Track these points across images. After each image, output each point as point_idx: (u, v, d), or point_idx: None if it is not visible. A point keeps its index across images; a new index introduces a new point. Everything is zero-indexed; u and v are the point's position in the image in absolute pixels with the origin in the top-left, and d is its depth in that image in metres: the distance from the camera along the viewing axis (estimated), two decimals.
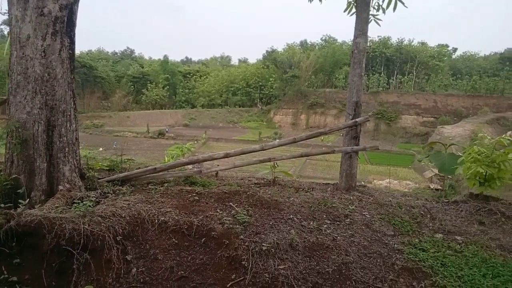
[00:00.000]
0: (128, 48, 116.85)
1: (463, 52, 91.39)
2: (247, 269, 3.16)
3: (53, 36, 3.95)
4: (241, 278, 3.12)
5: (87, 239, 3.11)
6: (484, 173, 4.91)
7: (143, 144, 44.39)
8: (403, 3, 5.58)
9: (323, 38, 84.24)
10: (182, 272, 3.17)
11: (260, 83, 73.05)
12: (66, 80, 4.13)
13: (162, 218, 3.65)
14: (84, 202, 3.53)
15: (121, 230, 3.35)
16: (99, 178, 4.70)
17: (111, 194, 4.24)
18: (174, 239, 3.49)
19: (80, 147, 4.64)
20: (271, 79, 70.07)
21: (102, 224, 3.29)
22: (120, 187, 4.57)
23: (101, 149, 33.38)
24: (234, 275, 3.15)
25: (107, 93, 70.14)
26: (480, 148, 5.06)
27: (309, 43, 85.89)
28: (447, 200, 5.43)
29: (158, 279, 3.09)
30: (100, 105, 67.73)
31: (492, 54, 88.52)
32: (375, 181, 26.00)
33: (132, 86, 72.24)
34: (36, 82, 3.92)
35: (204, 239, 3.52)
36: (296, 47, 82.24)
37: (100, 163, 5.54)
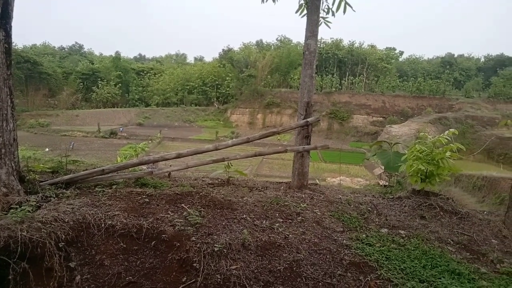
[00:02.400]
0: (76, 43, 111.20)
1: (409, 55, 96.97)
2: (199, 271, 3.12)
3: None
4: (193, 280, 3.07)
5: (25, 247, 2.90)
6: (425, 170, 5.22)
7: (93, 144, 42.38)
8: (351, 7, 5.79)
9: (279, 38, 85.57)
10: (131, 277, 3.06)
11: (217, 82, 72.49)
12: (1, 76, 3.83)
13: (110, 222, 3.50)
14: (22, 207, 3.29)
15: (63, 236, 3.16)
16: (41, 181, 4.42)
17: (54, 198, 3.99)
18: (122, 244, 3.36)
19: (23, 148, 4.34)
20: (227, 78, 69.79)
21: (43, 230, 3.09)
22: (64, 190, 4.32)
23: (47, 149, 31.51)
24: (185, 278, 3.09)
25: (54, 90, 66.05)
26: (421, 146, 5.38)
27: (265, 43, 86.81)
28: (392, 196, 5.72)
29: (105, 285, 2.96)
30: (46, 103, 63.66)
31: (434, 57, 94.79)
32: (328, 178, 26.86)
33: (81, 83, 68.59)
34: None
35: (154, 242, 3.42)
36: (252, 46, 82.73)
37: (42, 165, 5.21)
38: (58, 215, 3.38)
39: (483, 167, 28.79)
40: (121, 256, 3.25)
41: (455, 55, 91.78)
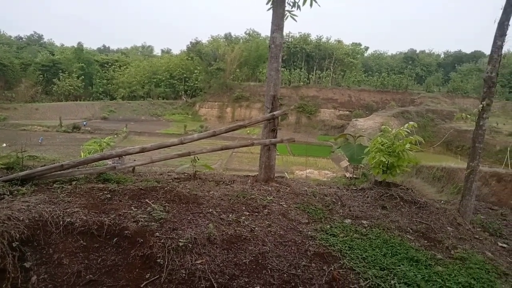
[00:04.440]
0: (35, 33, 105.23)
1: (373, 51, 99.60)
2: (163, 267, 3.07)
3: None
4: (156, 276, 3.01)
5: None
6: (386, 162, 5.40)
7: (55, 139, 40.61)
8: (316, 1, 5.83)
9: (247, 32, 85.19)
10: (91, 275, 2.97)
11: (185, 75, 71.27)
12: None
13: (68, 219, 3.36)
14: None
15: (18, 235, 3.01)
16: None
17: (8, 196, 3.79)
18: (82, 241, 3.25)
19: None
20: (195, 71, 68.75)
21: None
22: (20, 187, 4.10)
23: (4, 145, 29.87)
24: (148, 274, 3.03)
25: (11, 83, 62.33)
26: (383, 139, 5.55)
27: (234, 36, 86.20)
28: (355, 188, 5.89)
29: (63, 285, 2.85)
30: (3, 95, 60.02)
31: (398, 53, 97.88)
32: (296, 171, 27.23)
33: (41, 75, 65.23)
34: None
35: (116, 239, 3.33)
36: (221, 39, 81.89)
37: None
38: (12, 213, 3.21)
39: (442, 158, 30.09)
40: (81, 254, 3.14)
41: (417, 51, 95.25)
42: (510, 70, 67.95)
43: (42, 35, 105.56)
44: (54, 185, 4.37)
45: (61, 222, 3.33)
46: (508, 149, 30.43)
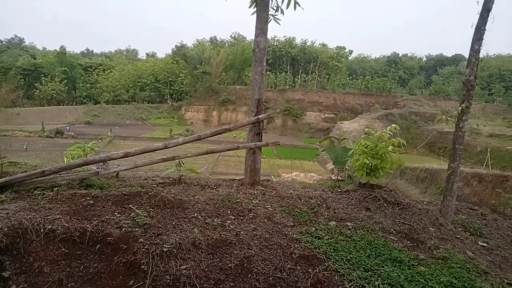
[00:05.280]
0: (16, 36, 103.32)
1: (358, 54, 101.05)
2: (147, 273, 3.04)
3: None
4: (140, 283, 2.98)
5: None
6: (370, 164, 5.48)
7: (37, 144, 39.68)
8: (299, 5, 5.90)
9: (233, 35, 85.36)
10: (73, 283, 2.91)
11: (170, 79, 70.76)
12: None
13: (49, 227, 3.30)
14: None
15: None
16: None
17: None
18: (63, 249, 3.18)
19: None
20: (181, 74, 68.38)
21: None
22: None
23: None
24: (132, 281, 2.99)
25: None
26: (366, 141, 5.63)
27: (219, 39, 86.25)
28: (340, 190, 5.94)
29: None
30: None
31: (381, 56, 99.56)
32: (283, 174, 27.33)
33: (23, 80, 63.65)
34: None
35: (99, 245, 3.28)
36: (206, 43, 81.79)
37: None
38: None
39: (425, 160, 30.71)
40: (62, 262, 3.08)
41: (400, 55, 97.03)
42: (489, 73, 69.92)
43: (23, 38, 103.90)
44: (35, 191, 4.28)
45: (42, 230, 3.26)
46: (489, 150, 31.26)
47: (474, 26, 5.13)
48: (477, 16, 5.09)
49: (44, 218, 3.42)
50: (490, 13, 5.00)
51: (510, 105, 58.71)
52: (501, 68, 71.80)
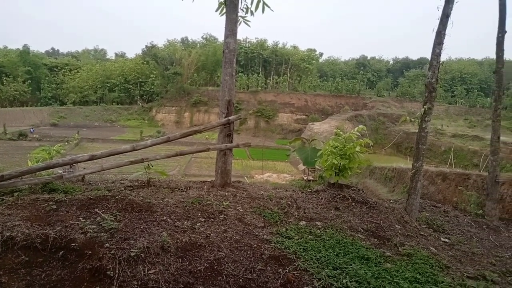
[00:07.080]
0: None
1: (328, 57, 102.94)
2: (113, 279, 2.96)
3: None
4: None
5: None
6: (338, 164, 5.59)
7: None
8: (269, 7, 5.94)
9: (204, 36, 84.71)
10: None
11: (140, 80, 69.15)
12: None
13: (8, 234, 3.15)
14: None
15: None
16: None
17: None
18: (23, 256, 3.05)
19: None
20: (152, 75, 67.00)
21: None
22: None
23: None
24: None
25: None
26: (335, 142, 5.75)
27: (190, 40, 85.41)
28: (310, 190, 6.03)
29: None
30: None
31: (350, 59, 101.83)
32: (256, 176, 27.38)
33: None
34: None
35: (62, 252, 3.17)
36: (177, 44, 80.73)
37: None
38: None
39: (393, 159, 31.74)
40: (22, 270, 2.95)
41: (368, 57, 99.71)
42: (452, 76, 73.20)
43: None
44: None
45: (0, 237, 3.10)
46: (452, 149, 32.69)
47: (435, 30, 5.35)
48: (438, 21, 5.31)
49: (2, 225, 3.27)
50: (450, 18, 5.24)
51: (471, 107, 61.66)
52: (462, 71, 75.48)
